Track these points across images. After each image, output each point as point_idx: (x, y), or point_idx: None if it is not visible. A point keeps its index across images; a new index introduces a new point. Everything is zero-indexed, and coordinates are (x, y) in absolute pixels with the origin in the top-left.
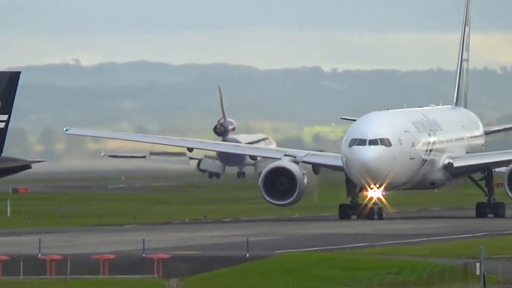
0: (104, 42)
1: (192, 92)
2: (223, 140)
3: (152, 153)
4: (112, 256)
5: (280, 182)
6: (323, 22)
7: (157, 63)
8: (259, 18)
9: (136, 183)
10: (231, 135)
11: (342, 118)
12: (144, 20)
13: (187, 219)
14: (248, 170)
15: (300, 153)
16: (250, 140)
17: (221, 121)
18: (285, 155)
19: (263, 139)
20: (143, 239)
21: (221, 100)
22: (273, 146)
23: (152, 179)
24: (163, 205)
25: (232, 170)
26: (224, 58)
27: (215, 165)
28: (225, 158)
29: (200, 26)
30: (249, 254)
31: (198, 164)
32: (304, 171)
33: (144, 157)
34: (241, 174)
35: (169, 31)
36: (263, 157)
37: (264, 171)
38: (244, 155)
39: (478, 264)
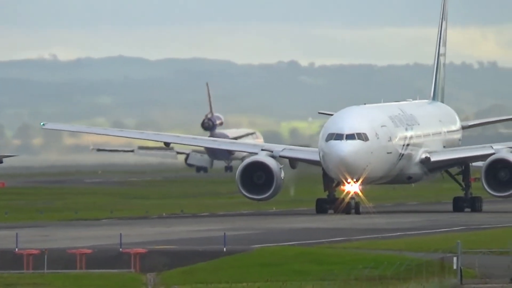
0: (82, 37)
1: (170, 87)
2: (211, 135)
3: (140, 148)
4: (89, 251)
5: (257, 176)
6: (300, 17)
7: (135, 58)
8: (236, 13)
9: (113, 177)
10: (218, 130)
11: (319, 113)
12: (121, 15)
13: (164, 214)
14: (236, 164)
15: (277, 148)
16: (238, 134)
17: (209, 115)
18: (262, 150)
19: (251, 134)
20: (120, 234)
21: (209, 95)
22: (261, 140)
23: (129, 174)
24: (140, 200)
25: (220, 164)
26: (201, 53)
27: (202, 160)
28: (213, 152)
29: (178, 21)
30: (226, 249)
31: (186, 159)
32: (281, 166)
33: (132, 151)
34: (228, 168)
35: (147, 26)
36: (241, 152)
37: (241, 166)
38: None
39: (455, 259)
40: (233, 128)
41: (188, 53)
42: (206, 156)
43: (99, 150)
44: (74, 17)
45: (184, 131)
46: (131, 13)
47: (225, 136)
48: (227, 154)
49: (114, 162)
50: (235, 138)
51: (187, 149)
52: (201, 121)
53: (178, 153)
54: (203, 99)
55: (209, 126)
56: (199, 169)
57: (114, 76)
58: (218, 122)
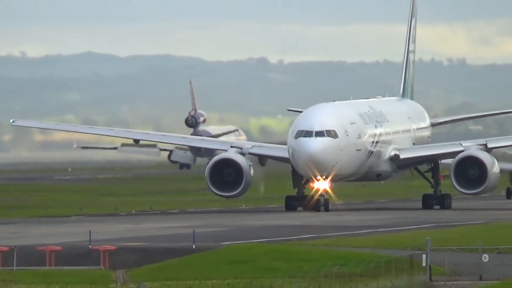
0: (51, 33)
1: (139, 83)
2: (194, 132)
3: (123, 145)
4: (58, 248)
5: (226, 173)
6: (269, 13)
7: (104, 55)
8: (206, 10)
9: (82, 175)
10: (202, 127)
11: (288, 110)
12: (90, 11)
13: (133, 211)
14: None
15: (247, 145)
16: (220, 132)
17: (192, 113)
18: (232, 147)
19: (233, 131)
20: (89, 231)
21: (192, 93)
22: (243, 138)
23: (99, 171)
24: (109, 197)
25: (203, 161)
26: (170, 50)
27: (185, 156)
28: (196, 149)
29: (147, 17)
30: (195, 246)
31: (169, 156)
32: (251, 163)
33: (115, 148)
34: None
35: (116, 22)
36: (209, 149)
37: (210, 163)
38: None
39: (424, 256)
40: (215, 125)
41: (158, 49)
42: (189, 153)
43: (83, 147)
44: (44, 14)
45: (155, 128)
46: (100, 10)
47: (208, 133)
48: (210, 151)
49: (87, 160)
50: (218, 135)
51: (170, 146)
52: (179, 117)
53: (161, 150)
54: (173, 96)
55: (192, 123)
56: (182, 166)
57: (83, 72)
58: (201, 119)
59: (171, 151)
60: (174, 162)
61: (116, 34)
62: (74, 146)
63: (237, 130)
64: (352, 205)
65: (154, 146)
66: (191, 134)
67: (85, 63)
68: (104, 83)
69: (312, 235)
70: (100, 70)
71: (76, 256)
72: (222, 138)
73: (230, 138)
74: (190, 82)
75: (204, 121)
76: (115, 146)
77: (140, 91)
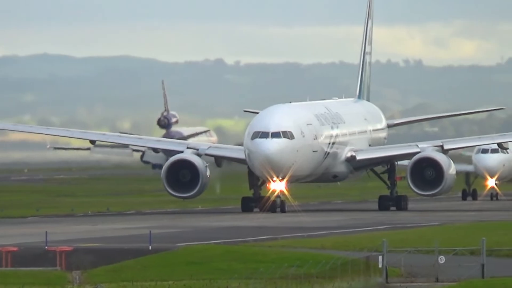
0: (7, 34)
1: (95, 84)
2: (166, 133)
3: (96, 146)
4: (14, 249)
5: (182, 174)
6: (226, 14)
7: (60, 56)
8: (162, 10)
9: (39, 175)
10: (174, 128)
11: (245, 111)
12: (46, 12)
13: (90, 212)
14: None
15: (203, 146)
16: (192, 132)
17: (164, 113)
18: (188, 148)
19: (205, 131)
20: (46, 232)
21: (164, 93)
22: (214, 139)
23: (54, 171)
24: (66, 198)
25: None
26: (126, 51)
27: (158, 157)
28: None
29: (104, 18)
30: (151, 247)
31: (142, 156)
32: (207, 164)
33: (89, 149)
34: None
35: (72, 23)
36: (167, 150)
37: (166, 164)
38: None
39: (380, 257)
40: (188, 126)
41: (114, 51)
42: (161, 154)
43: (56, 148)
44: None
45: (110, 129)
46: (56, 11)
47: (180, 134)
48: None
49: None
50: (190, 136)
51: (143, 147)
52: (136, 119)
53: (134, 150)
54: (129, 97)
55: (164, 124)
56: (154, 166)
57: (39, 73)
58: (173, 120)
59: (143, 152)
60: (146, 162)
61: (72, 35)
62: (48, 146)
63: (208, 130)
64: (308, 206)
65: (126, 147)
66: (164, 135)
67: (41, 64)
68: (61, 84)
69: (268, 236)
70: (56, 71)
71: (32, 257)
72: (191, 140)
73: (202, 138)
74: (162, 82)
75: (176, 122)
76: (88, 146)
77: (96, 92)
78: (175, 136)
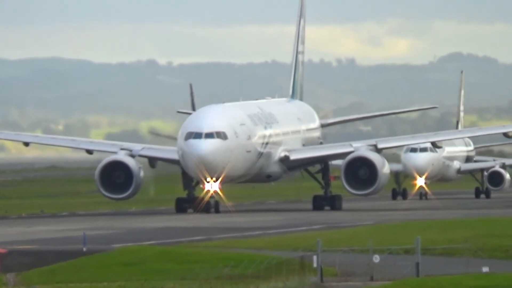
0: None
1: (28, 86)
2: None
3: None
4: None
5: (116, 176)
6: (158, 15)
7: None
8: (94, 12)
9: None
10: None
11: (178, 112)
12: None
13: (23, 214)
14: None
15: (137, 147)
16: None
17: None
18: (121, 149)
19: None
20: None
21: (192, 95)
22: None
23: None
24: None
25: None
26: (59, 52)
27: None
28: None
29: (36, 20)
30: (86, 248)
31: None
32: (141, 165)
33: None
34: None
35: (5, 25)
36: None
37: (100, 165)
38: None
39: (315, 257)
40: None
41: (46, 52)
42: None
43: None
44: None
45: (44, 131)
46: None
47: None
48: None
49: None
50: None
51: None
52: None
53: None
54: (61, 98)
55: None
56: None
57: None
58: None
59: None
60: None
61: (5, 37)
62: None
63: None
64: (243, 207)
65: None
66: None
67: None
68: None
69: (203, 237)
70: None
71: None
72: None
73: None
74: (191, 85)
75: None
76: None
77: (30, 94)
78: None
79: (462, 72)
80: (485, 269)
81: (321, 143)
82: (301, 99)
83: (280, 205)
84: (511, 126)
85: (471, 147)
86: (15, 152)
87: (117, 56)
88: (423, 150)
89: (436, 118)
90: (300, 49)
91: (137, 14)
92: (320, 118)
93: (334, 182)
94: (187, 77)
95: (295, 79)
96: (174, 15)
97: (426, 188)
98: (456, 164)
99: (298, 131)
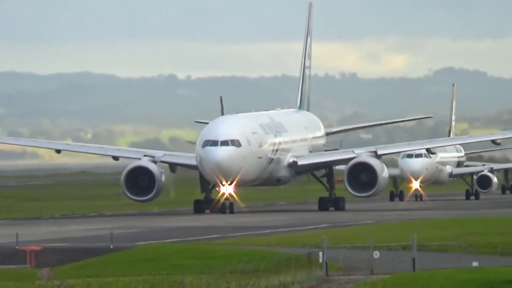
0: None
1: (59, 99)
2: None
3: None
4: None
5: (140, 180)
6: (177, 34)
7: (26, 73)
8: (118, 30)
9: (10, 182)
10: None
11: (196, 122)
12: (12, 32)
13: (56, 214)
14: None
15: (158, 154)
16: None
17: None
18: (145, 156)
19: None
20: (17, 233)
21: (222, 108)
22: None
23: (24, 178)
24: (34, 202)
25: None
26: (87, 68)
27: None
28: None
29: (65, 39)
30: (113, 246)
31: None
32: (162, 170)
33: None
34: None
35: (36, 43)
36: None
37: (125, 170)
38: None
39: (321, 253)
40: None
41: (76, 68)
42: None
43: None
44: None
45: (74, 139)
46: (22, 32)
47: None
48: None
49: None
50: None
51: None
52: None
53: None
54: (89, 110)
55: None
56: None
57: (7, 89)
58: None
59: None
60: None
61: (37, 54)
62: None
63: None
64: (255, 208)
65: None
66: None
67: (8, 81)
68: (27, 98)
69: (219, 235)
70: (22, 87)
71: (4, 256)
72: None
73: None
74: (221, 98)
75: None
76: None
77: (60, 106)
78: None
79: (453, 84)
80: (475, 264)
81: (337, 148)
82: (308, 110)
83: (288, 206)
84: (499, 134)
85: (462, 153)
86: (48, 159)
87: (140, 71)
88: (418, 156)
89: (430, 127)
90: (307, 64)
91: (158, 33)
92: (325, 127)
93: (338, 185)
94: (204, 90)
95: (303, 92)
96: (192, 33)
97: (421, 191)
98: (448, 169)
99: (305, 139)
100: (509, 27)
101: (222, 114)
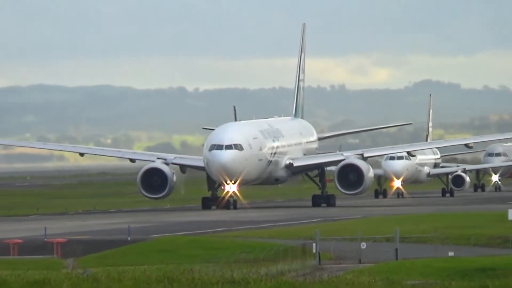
0: (10, 69)
1: (83, 108)
2: None
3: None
4: (20, 241)
5: (154, 180)
6: (186, 50)
7: (53, 86)
8: (133, 47)
9: (38, 182)
10: None
11: (203, 128)
12: (41, 49)
13: (79, 210)
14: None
15: (170, 156)
16: None
17: None
18: (158, 158)
19: None
20: (45, 227)
21: (236, 117)
22: None
23: (51, 178)
24: (60, 199)
25: None
26: (107, 81)
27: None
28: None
29: (89, 54)
30: (130, 238)
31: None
32: (174, 171)
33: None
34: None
35: (63, 58)
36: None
37: (140, 171)
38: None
39: (314, 244)
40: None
41: (98, 80)
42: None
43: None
44: (5, 50)
45: (95, 144)
46: (49, 48)
47: None
48: None
49: (38, 170)
50: None
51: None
52: (116, 135)
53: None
54: (109, 117)
55: None
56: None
57: (37, 100)
58: None
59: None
60: None
61: (63, 69)
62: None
63: None
64: (255, 204)
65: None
66: None
67: (38, 93)
68: (54, 108)
69: (224, 228)
70: (50, 98)
71: (34, 247)
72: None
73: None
74: (234, 108)
75: None
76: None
77: (84, 114)
78: None
79: (430, 95)
80: (451, 254)
81: (336, 151)
82: (302, 118)
83: (285, 203)
84: (471, 138)
85: (438, 156)
86: (73, 161)
87: (154, 83)
88: (400, 158)
89: (410, 132)
90: (301, 77)
91: (170, 50)
92: (318, 132)
93: (329, 184)
94: (210, 101)
95: (297, 101)
96: (200, 51)
97: (402, 189)
98: (426, 169)
99: (300, 143)
100: (480, 45)
101: (235, 120)
